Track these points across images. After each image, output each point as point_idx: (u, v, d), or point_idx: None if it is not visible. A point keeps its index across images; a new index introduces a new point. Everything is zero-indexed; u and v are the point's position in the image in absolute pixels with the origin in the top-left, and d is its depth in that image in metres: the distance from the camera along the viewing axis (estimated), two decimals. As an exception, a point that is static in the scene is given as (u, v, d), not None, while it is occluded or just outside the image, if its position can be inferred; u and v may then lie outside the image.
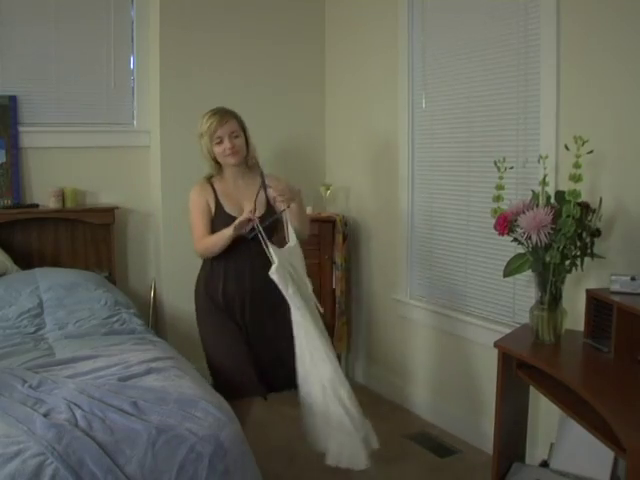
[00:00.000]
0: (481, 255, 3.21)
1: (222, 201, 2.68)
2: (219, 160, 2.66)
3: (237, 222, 2.50)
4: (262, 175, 2.74)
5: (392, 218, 3.75)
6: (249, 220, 2.50)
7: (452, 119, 3.35)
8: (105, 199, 4.00)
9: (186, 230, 2.82)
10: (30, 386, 2.22)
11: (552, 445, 2.58)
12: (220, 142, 2.61)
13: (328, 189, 4.06)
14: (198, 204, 2.66)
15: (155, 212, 4.05)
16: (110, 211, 3.86)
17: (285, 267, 2.47)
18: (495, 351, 2.45)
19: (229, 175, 2.72)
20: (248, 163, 2.73)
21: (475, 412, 3.26)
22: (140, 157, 4.07)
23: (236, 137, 2.62)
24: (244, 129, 2.70)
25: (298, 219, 2.66)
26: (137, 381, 2.29)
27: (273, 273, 2.42)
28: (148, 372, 2.37)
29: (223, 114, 2.62)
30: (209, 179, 2.71)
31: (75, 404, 2.07)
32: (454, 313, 3.39)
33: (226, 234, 2.54)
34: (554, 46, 2.68)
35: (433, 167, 3.52)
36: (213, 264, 2.69)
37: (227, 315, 2.67)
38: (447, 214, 3.43)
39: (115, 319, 3.07)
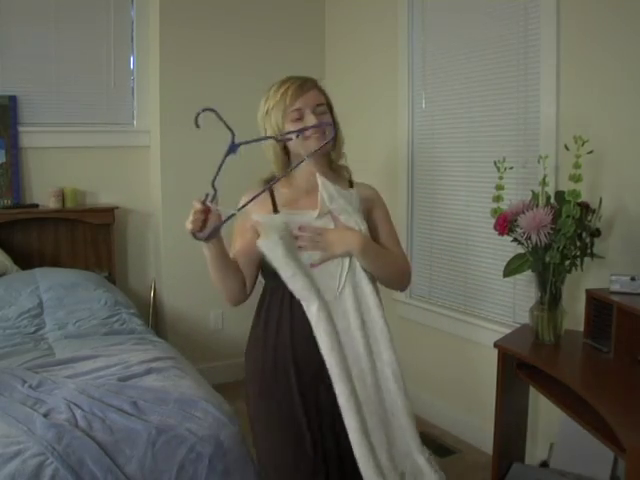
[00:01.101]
0: (481, 255, 3.21)
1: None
2: (292, 148, 1.78)
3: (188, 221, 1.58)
4: (351, 183, 1.91)
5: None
6: (204, 213, 1.57)
7: (452, 119, 3.35)
8: (105, 199, 4.00)
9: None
10: (30, 386, 2.23)
11: (552, 445, 2.59)
12: (299, 118, 1.74)
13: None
14: (241, 221, 1.79)
15: (155, 212, 4.06)
16: (110, 211, 3.86)
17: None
18: (495, 351, 2.45)
19: (302, 176, 1.81)
20: (332, 164, 1.89)
21: (475, 412, 3.26)
22: (140, 157, 4.08)
23: (323, 113, 1.78)
24: (331, 108, 1.85)
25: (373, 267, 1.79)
26: (137, 381, 2.30)
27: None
28: (148, 372, 2.37)
29: (304, 81, 1.78)
30: (268, 181, 1.81)
31: (75, 404, 2.08)
32: (454, 313, 3.39)
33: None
34: (554, 46, 2.68)
35: (433, 167, 3.52)
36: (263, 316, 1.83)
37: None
38: (447, 214, 3.43)
39: (115, 319, 3.08)
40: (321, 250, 1.70)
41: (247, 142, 1.59)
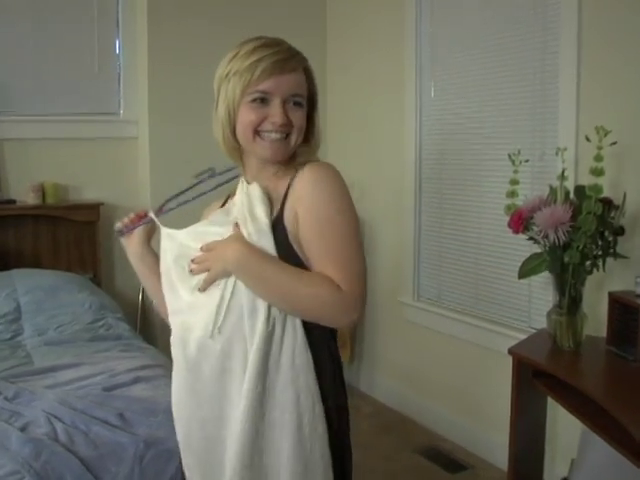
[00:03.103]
0: (494, 255, 3.19)
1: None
2: (242, 140, 1.46)
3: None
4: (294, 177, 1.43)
5: (398, 214, 3.73)
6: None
7: (463, 109, 3.33)
8: (89, 195, 3.98)
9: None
10: (5, 398, 2.22)
11: (573, 461, 2.57)
12: (262, 105, 1.41)
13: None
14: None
15: (144, 209, 4.03)
16: (95, 208, 3.84)
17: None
18: (509, 358, 2.43)
19: (253, 169, 1.51)
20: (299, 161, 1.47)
21: (488, 424, 3.24)
22: (127, 149, 4.05)
23: (295, 108, 1.43)
24: (314, 102, 1.52)
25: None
26: (124, 391, 2.29)
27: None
28: (136, 381, 2.37)
29: (289, 57, 1.43)
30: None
31: (55, 417, 2.06)
32: (465, 317, 3.37)
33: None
34: (575, 30, 2.65)
35: (442, 160, 3.50)
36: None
37: None
38: (457, 210, 3.42)
39: (100, 324, 3.07)
40: (206, 270, 1.42)
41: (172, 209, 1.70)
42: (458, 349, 3.43)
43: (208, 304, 1.40)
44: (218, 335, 1.38)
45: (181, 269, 1.49)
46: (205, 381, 1.41)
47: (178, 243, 1.53)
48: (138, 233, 1.68)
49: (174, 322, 1.52)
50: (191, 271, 1.45)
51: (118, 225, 1.71)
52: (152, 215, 1.66)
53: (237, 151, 1.49)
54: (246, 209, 1.41)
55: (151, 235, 1.68)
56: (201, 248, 1.44)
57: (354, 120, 4.08)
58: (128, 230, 1.70)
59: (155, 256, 1.64)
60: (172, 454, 1.94)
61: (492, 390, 3.19)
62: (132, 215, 1.71)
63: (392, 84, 3.76)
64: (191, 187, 1.61)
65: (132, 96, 4.03)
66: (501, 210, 2.51)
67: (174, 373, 1.52)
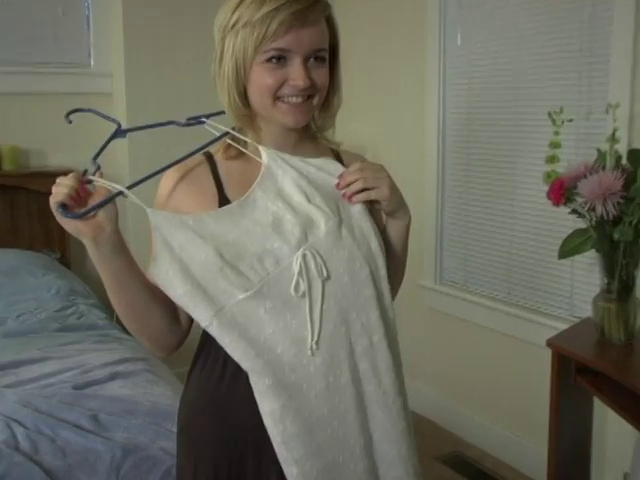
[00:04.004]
0: (530, 231, 3.19)
1: (230, 194, 1.47)
2: (257, 105, 1.45)
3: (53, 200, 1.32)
4: (337, 154, 1.61)
5: (418, 184, 3.71)
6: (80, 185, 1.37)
7: (495, 57, 3.31)
8: (55, 161, 3.98)
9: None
10: (-43, 399, 2.22)
11: (626, 475, 2.58)
12: (277, 63, 1.38)
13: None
14: (163, 205, 1.54)
15: (120, 177, 4.00)
16: (62, 176, 3.82)
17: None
18: (548, 352, 2.44)
19: (270, 139, 1.50)
20: (314, 130, 1.57)
21: (523, 429, 3.26)
22: (100, 107, 3.95)
23: (319, 66, 1.42)
24: (336, 52, 1.50)
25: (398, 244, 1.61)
26: (98, 389, 2.31)
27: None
28: (113, 377, 2.38)
29: (311, 4, 1.37)
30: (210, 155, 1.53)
31: (16, 421, 2.07)
32: (495, 304, 3.38)
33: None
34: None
35: (469, 121, 3.49)
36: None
37: None
38: (487, 178, 3.40)
39: (70, 311, 3.08)
40: (376, 193, 1.44)
41: (140, 128, 1.56)
42: (487, 341, 3.44)
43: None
44: (317, 350, 1.37)
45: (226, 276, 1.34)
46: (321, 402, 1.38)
47: (208, 237, 1.37)
48: (109, 213, 1.36)
49: (256, 363, 1.35)
50: (338, 186, 1.45)
51: (61, 197, 1.30)
52: (122, 188, 1.41)
53: (247, 117, 1.47)
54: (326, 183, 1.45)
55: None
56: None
57: (366, 72, 4.05)
58: (89, 209, 1.31)
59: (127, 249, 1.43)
60: (154, 462, 1.95)
61: (527, 389, 3.20)
62: (69, 180, 1.36)
63: (411, 28, 3.73)
64: (105, 145, 1.55)
65: (104, 44, 4.00)
66: (539, 178, 2.50)
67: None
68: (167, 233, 1.39)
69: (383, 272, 1.46)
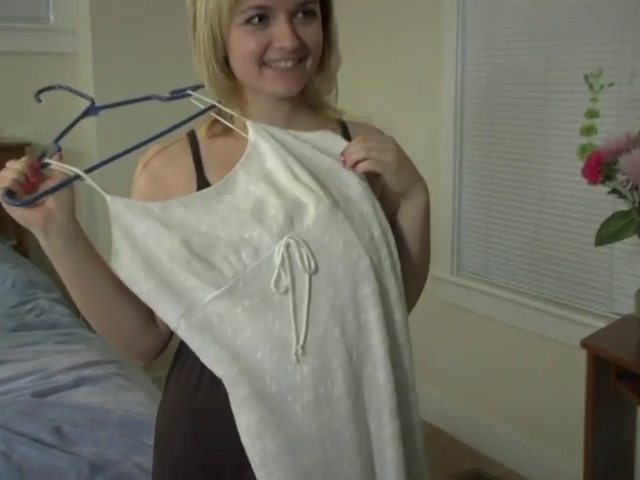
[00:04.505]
0: (561, 215, 3.20)
1: (211, 177, 1.45)
2: (241, 76, 1.43)
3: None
4: (343, 124, 1.59)
5: (432, 162, 3.70)
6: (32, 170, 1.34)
7: (520, 14, 3.30)
8: (10, 131, 3.99)
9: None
10: None
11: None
12: (259, 24, 1.35)
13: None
14: (141, 192, 1.54)
15: (86, 151, 4.01)
16: (19, 150, 3.82)
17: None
18: (583, 353, 2.44)
19: (260, 113, 1.48)
20: (313, 97, 1.54)
21: (554, 443, 3.27)
22: (63, 70, 4.03)
23: (307, 22, 1.38)
24: (329, 6, 1.47)
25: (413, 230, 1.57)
26: (62, 396, 2.31)
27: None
28: (79, 383, 2.38)
29: None
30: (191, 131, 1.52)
31: (-36, 434, 2.06)
32: (521, 298, 3.39)
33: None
34: None
35: (491, 86, 3.49)
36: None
37: None
38: (512, 153, 3.41)
39: (28, 307, 3.08)
40: (381, 164, 1.41)
41: (114, 105, 1.58)
42: (511, 341, 3.45)
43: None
44: (303, 356, 1.33)
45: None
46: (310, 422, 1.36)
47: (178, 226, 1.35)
48: (60, 199, 1.34)
49: (228, 364, 1.33)
50: (344, 163, 1.42)
51: (7, 183, 1.28)
52: (78, 171, 1.39)
53: (232, 90, 1.45)
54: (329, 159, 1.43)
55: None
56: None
57: (372, 32, 4.04)
58: (37, 196, 1.30)
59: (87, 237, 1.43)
60: (127, 479, 1.94)
61: (559, 397, 3.21)
62: (19, 164, 1.33)
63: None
64: (72, 125, 1.58)
65: (68, -4, 3.99)
66: (573, 153, 2.50)
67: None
68: (128, 222, 1.39)
69: (388, 264, 1.41)
